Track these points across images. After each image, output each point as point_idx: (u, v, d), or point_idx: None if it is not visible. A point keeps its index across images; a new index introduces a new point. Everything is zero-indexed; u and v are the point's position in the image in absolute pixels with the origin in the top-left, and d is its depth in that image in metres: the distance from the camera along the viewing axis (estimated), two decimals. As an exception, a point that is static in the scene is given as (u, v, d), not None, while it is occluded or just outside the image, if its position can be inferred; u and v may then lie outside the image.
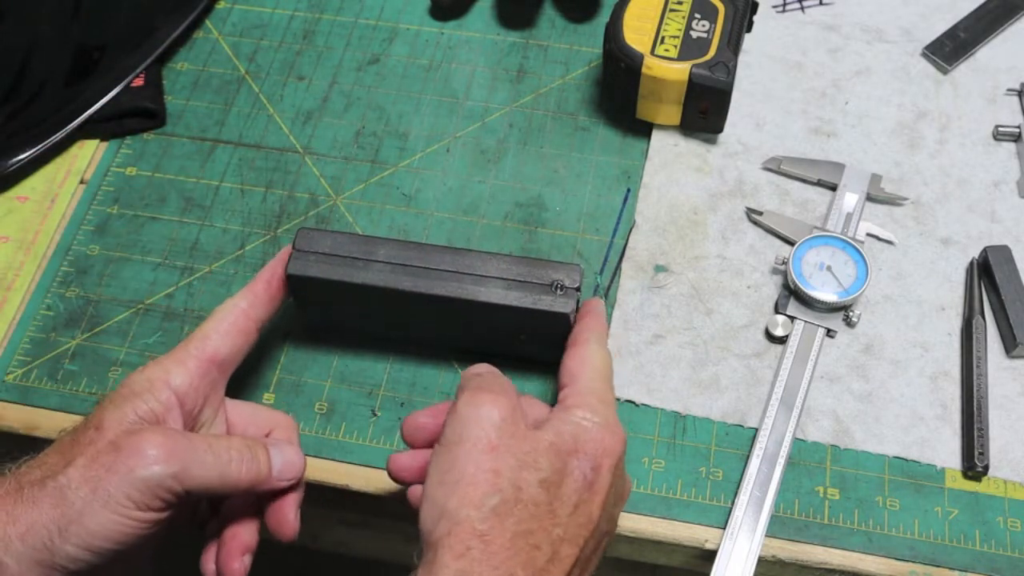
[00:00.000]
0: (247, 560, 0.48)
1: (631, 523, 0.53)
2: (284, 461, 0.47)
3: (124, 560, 0.44)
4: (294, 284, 0.51)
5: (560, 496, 0.41)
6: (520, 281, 0.50)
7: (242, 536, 0.48)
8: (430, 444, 0.46)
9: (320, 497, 0.55)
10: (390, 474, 0.48)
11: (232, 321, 0.49)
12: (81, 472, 0.41)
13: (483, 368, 0.47)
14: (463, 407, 0.43)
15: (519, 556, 0.39)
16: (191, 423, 0.47)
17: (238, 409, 0.51)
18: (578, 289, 0.50)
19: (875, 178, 0.63)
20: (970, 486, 0.53)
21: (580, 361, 0.47)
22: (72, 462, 0.42)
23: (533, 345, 0.53)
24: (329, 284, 0.51)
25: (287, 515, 0.48)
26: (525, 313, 0.50)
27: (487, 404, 0.43)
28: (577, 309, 0.51)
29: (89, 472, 0.41)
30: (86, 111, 0.66)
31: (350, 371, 0.57)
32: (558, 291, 0.50)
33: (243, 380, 0.57)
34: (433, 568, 0.39)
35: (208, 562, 0.49)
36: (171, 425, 0.45)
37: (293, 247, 0.51)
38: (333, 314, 0.56)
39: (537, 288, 0.50)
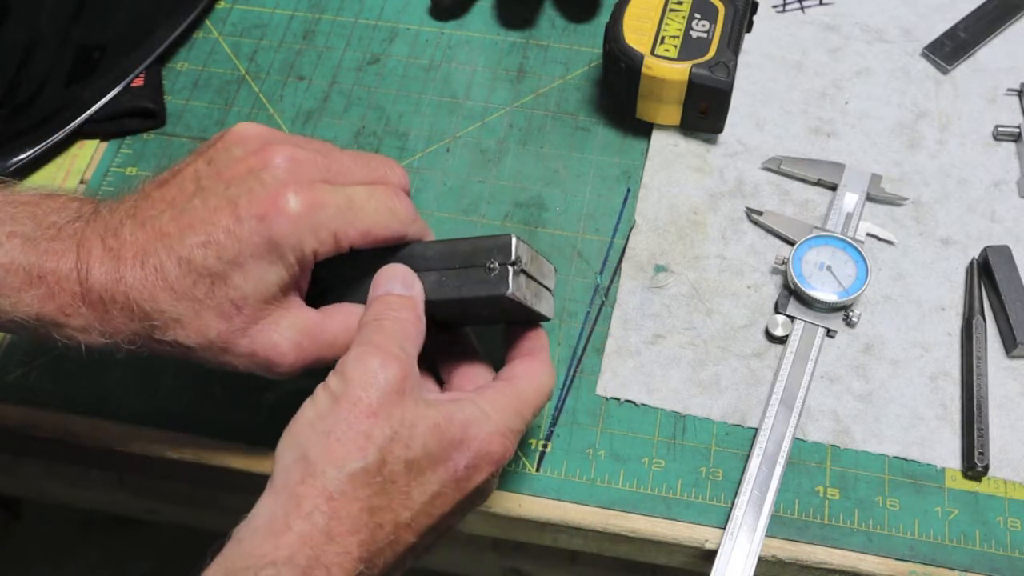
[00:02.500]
0: None
1: (631, 523, 0.53)
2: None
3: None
4: None
5: (422, 481, 0.40)
6: (454, 268, 0.46)
7: None
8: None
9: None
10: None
11: None
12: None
13: (393, 302, 0.44)
14: (352, 362, 0.41)
15: (361, 532, 0.38)
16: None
17: None
18: (513, 263, 0.44)
19: (875, 178, 0.63)
20: (970, 486, 0.53)
21: (529, 368, 0.46)
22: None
23: (506, 322, 0.50)
24: None
25: None
26: (465, 303, 0.46)
27: (378, 365, 0.40)
28: (537, 282, 0.46)
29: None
30: (86, 111, 0.66)
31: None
32: (491, 271, 0.44)
33: (243, 380, 0.57)
34: (277, 516, 0.38)
35: None
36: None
37: None
38: None
39: (471, 272, 0.45)
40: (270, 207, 0.42)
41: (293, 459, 0.39)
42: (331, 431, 0.39)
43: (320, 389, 0.41)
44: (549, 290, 0.48)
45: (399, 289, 0.45)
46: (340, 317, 0.46)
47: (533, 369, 0.46)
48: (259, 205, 0.42)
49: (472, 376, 0.48)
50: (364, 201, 0.45)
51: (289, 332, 0.44)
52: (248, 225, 0.42)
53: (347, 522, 0.38)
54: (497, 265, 0.44)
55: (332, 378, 0.41)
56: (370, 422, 0.39)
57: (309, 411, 0.40)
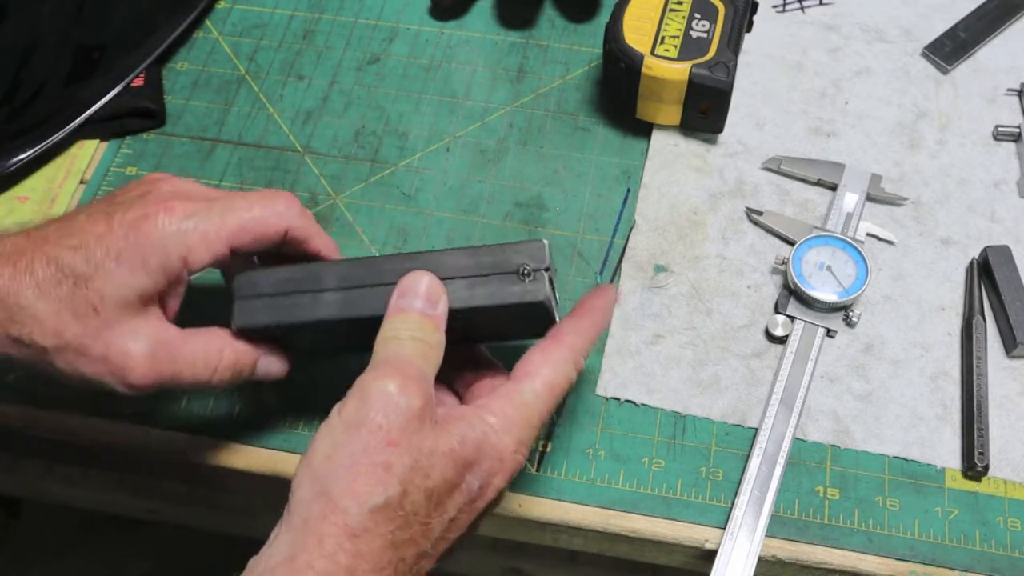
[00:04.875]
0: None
1: (631, 523, 0.53)
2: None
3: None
4: (246, 336, 0.47)
5: (441, 510, 0.39)
6: (483, 275, 0.44)
7: None
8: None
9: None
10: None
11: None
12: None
13: (414, 320, 0.43)
14: (371, 385, 0.40)
15: (384, 569, 0.37)
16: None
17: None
18: (547, 269, 0.44)
19: (875, 178, 0.63)
20: (970, 486, 0.53)
21: (540, 364, 0.43)
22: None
23: (521, 336, 0.49)
24: (284, 327, 0.47)
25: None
26: (496, 310, 0.44)
27: (397, 390, 0.39)
28: (554, 290, 0.45)
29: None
30: (86, 111, 0.66)
31: (350, 371, 0.57)
32: (525, 277, 0.43)
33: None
34: (298, 555, 0.37)
35: None
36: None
37: (234, 296, 0.47)
38: (300, 348, 0.51)
39: (502, 279, 0.44)
40: (141, 217, 0.43)
41: (313, 494, 0.38)
42: (351, 464, 0.38)
43: (335, 414, 0.40)
44: (556, 296, 0.48)
45: (422, 306, 0.43)
46: (203, 339, 0.46)
47: (545, 364, 0.44)
48: (132, 215, 0.44)
49: (489, 385, 0.47)
50: (238, 201, 0.46)
51: (145, 343, 0.44)
52: (118, 232, 0.43)
53: (371, 559, 0.37)
54: (531, 271, 0.44)
55: (349, 401, 0.40)
56: (390, 451, 0.38)
57: (326, 440, 0.39)
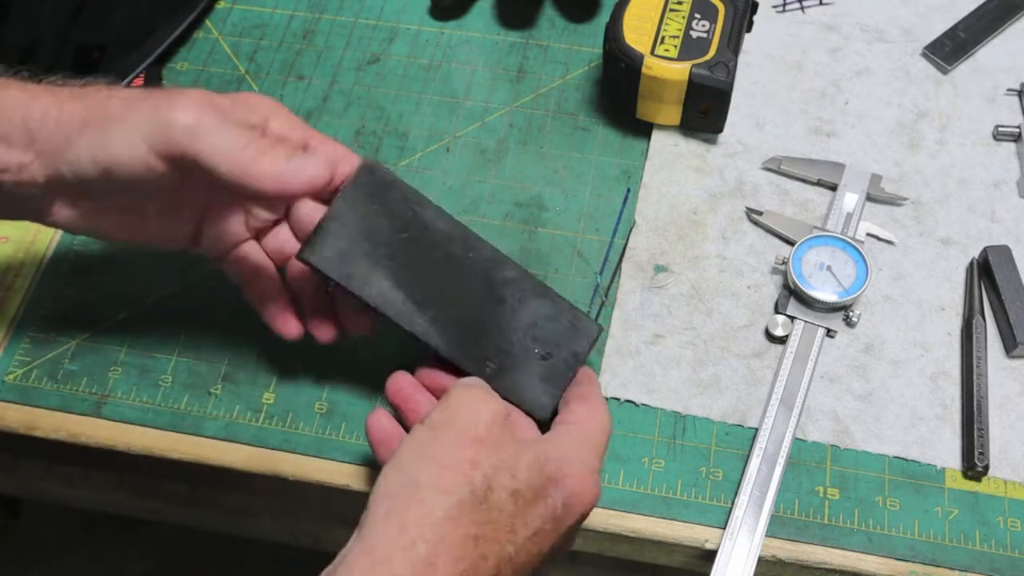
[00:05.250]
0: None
1: (631, 523, 0.53)
2: (300, 164, 0.44)
3: (123, 214, 0.46)
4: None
5: (526, 515, 0.40)
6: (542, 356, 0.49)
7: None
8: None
9: (321, 497, 0.55)
10: (369, 429, 0.47)
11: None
12: (126, 93, 0.44)
13: (475, 381, 0.46)
14: (458, 395, 0.42)
15: (464, 561, 0.37)
16: None
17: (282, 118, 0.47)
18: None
19: (875, 178, 0.63)
20: (970, 486, 0.53)
21: (591, 410, 0.46)
22: (128, 89, 0.45)
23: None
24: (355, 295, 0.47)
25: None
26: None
27: (481, 399, 0.42)
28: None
29: (131, 96, 0.43)
30: (86, 111, 0.66)
31: (350, 371, 0.57)
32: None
33: (242, 378, 0.57)
34: (377, 543, 0.37)
35: (288, 320, 0.50)
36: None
37: (323, 221, 0.46)
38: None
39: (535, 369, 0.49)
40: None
41: (399, 485, 0.39)
42: (439, 458, 0.39)
43: (419, 427, 0.42)
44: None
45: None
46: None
47: (595, 411, 0.46)
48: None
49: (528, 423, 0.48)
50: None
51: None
52: None
53: (451, 549, 0.37)
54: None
55: (435, 413, 0.42)
56: (476, 449, 0.40)
57: (412, 442, 0.41)
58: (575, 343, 0.50)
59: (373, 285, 0.47)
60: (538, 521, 0.40)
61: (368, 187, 0.47)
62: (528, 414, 0.48)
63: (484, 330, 0.48)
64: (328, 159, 0.45)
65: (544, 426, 0.48)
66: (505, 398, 0.46)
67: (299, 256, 0.46)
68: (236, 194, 0.45)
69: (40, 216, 0.47)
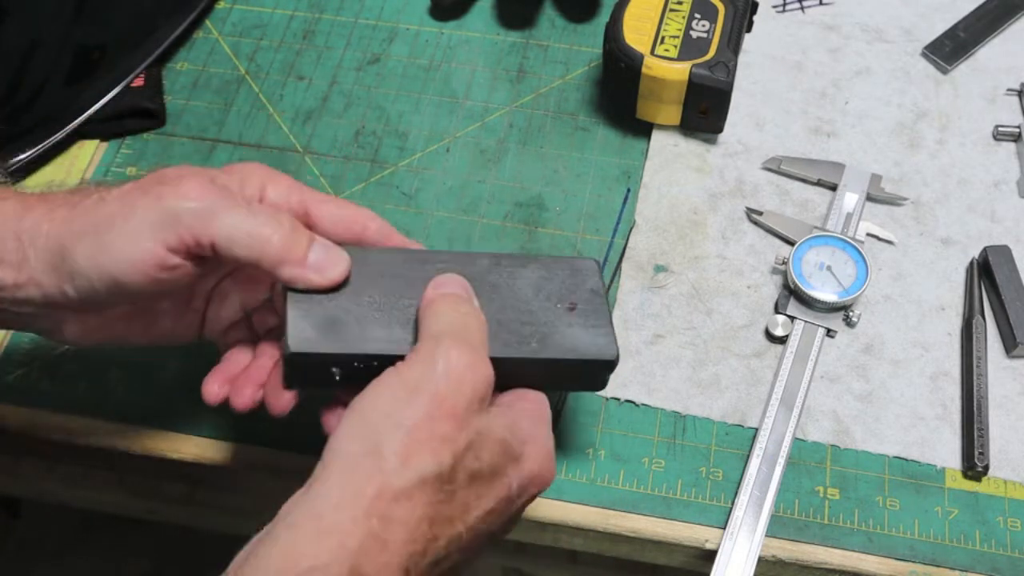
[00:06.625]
0: (259, 394, 0.44)
1: (631, 523, 0.53)
2: (326, 254, 0.42)
3: (133, 315, 0.43)
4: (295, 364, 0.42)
5: (481, 495, 0.38)
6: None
7: (262, 364, 0.45)
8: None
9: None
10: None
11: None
12: (120, 191, 0.40)
13: (462, 303, 0.41)
14: (440, 353, 0.38)
15: (416, 543, 0.35)
16: None
17: (321, 208, 0.45)
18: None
19: (875, 178, 0.63)
20: (970, 486, 0.53)
21: (530, 392, 0.43)
22: (120, 186, 0.41)
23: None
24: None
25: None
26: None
27: (467, 366, 0.38)
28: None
29: (126, 192, 0.40)
30: (86, 111, 0.66)
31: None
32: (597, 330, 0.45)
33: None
34: (326, 511, 0.34)
35: (211, 383, 0.45)
36: None
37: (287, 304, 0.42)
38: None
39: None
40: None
41: (363, 450, 0.36)
42: (411, 428, 0.36)
43: (396, 372, 0.38)
44: None
45: (460, 292, 0.42)
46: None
47: (533, 393, 0.43)
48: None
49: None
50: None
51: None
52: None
53: (406, 529, 0.35)
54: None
55: (415, 364, 0.38)
56: (450, 426, 0.36)
57: (385, 397, 0.37)
58: (585, 282, 0.47)
59: (370, 339, 0.42)
60: (492, 502, 0.38)
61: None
62: (597, 362, 0.45)
63: (503, 318, 0.45)
64: (343, 257, 0.43)
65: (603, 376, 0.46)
66: (568, 361, 0.44)
67: (286, 384, 0.42)
68: (248, 271, 0.44)
69: (49, 334, 0.44)
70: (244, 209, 0.40)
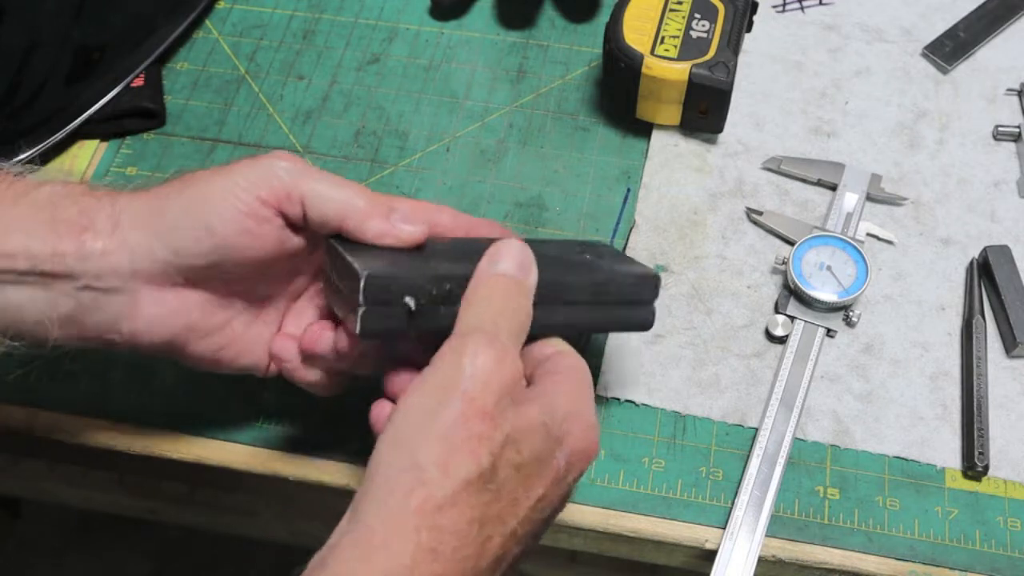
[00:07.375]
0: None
1: (631, 523, 0.53)
2: (411, 211, 0.44)
3: (206, 304, 0.45)
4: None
5: (530, 486, 0.38)
6: (605, 304, 0.46)
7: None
8: None
9: (321, 497, 0.55)
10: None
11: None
12: (214, 168, 0.44)
13: (510, 288, 0.41)
14: (465, 353, 0.38)
15: (468, 546, 0.35)
16: None
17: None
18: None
19: (875, 178, 0.63)
20: (970, 486, 0.53)
21: (572, 361, 0.42)
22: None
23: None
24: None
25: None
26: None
27: (492, 362, 0.37)
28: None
29: (221, 167, 0.43)
30: (86, 111, 0.66)
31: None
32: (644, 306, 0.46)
33: (242, 378, 0.57)
34: (375, 528, 0.35)
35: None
36: None
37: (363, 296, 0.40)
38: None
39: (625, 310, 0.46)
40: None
41: (400, 463, 0.36)
42: (444, 435, 0.36)
43: (423, 381, 0.38)
44: None
45: (515, 271, 0.41)
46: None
47: (574, 357, 0.43)
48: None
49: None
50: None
51: None
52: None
53: (456, 535, 0.35)
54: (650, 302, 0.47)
55: (441, 369, 0.38)
56: (484, 425, 0.36)
57: (412, 409, 0.37)
58: (599, 246, 0.50)
59: (441, 268, 0.42)
60: (541, 489, 0.38)
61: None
62: (646, 276, 0.46)
63: (542, 266, 0.43)
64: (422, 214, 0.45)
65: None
66: (618, 277, 0.45)
67: (362, 327, 0.40)
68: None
69: (117, 323, 0.43)
70: (332, 176, 0.44)
